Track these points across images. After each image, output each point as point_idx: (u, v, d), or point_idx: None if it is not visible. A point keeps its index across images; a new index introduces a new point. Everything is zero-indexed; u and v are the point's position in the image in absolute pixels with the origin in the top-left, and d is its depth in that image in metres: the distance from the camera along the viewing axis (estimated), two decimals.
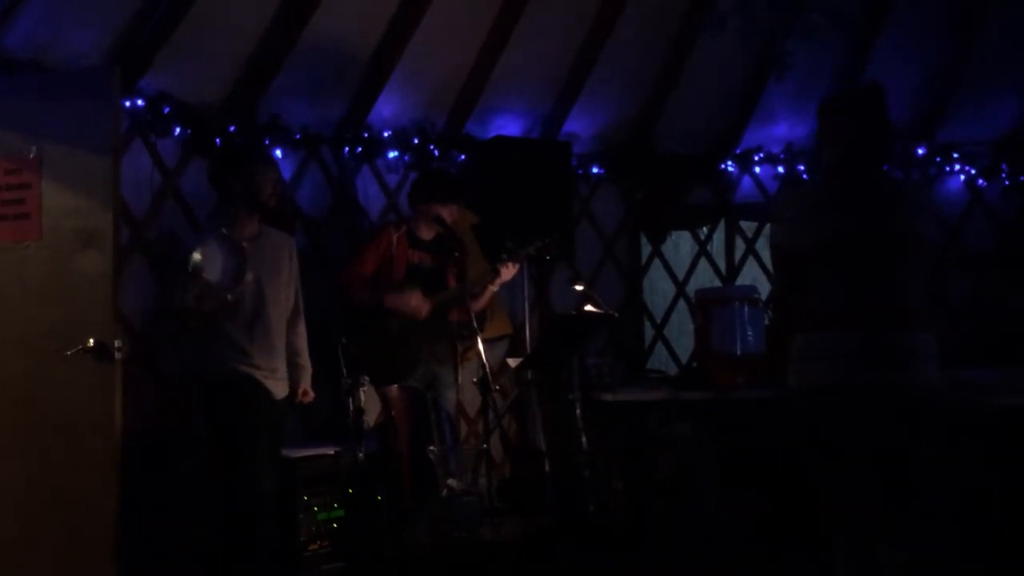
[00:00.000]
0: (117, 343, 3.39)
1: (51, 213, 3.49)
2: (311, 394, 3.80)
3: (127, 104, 4.17)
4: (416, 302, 4.24)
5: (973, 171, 6.02)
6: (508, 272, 4.33)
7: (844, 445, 2.71)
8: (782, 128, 5.92)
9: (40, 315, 3.47)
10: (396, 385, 4.04)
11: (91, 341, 3.35)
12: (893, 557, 2.67)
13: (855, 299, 2.72)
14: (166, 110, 4.32)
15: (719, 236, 5.97)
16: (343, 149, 5.01)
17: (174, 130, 4.39)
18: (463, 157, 5.31)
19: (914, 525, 2.68)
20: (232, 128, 4.53)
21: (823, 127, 2.89)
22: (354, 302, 4.23)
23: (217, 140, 4.49)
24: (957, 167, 6.02)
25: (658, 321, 5.93)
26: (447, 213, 4.24)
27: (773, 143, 5.95)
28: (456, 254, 4.00)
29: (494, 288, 4.38)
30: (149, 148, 4.35)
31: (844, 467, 2.72)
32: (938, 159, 5.99)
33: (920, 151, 5.93)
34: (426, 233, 4.38)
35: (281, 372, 3.64)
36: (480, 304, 4.37)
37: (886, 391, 2.64)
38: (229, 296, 3.37)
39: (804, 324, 2.80)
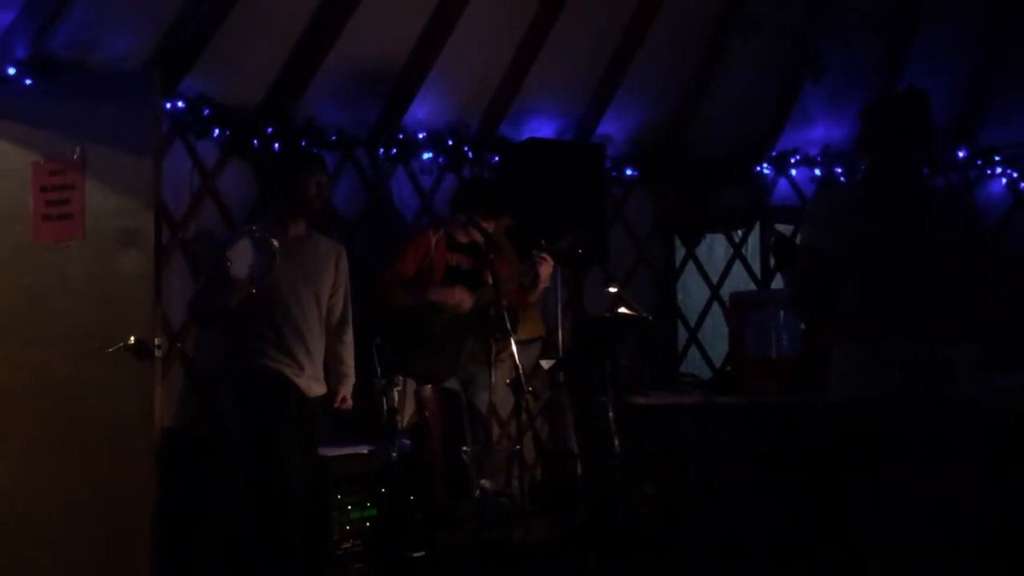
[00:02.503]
0: (157, 341, 3.44)
1: (94, 213, 3.54)
2: (349, 402, 3.81)
3: (167, 106, 4.22)
4: (460, 294, 4.28)
5: (1015, 174, 5.91)
6: (546, 268, 4.31)
7: (888, 458, 2.67)
8: (819, 130, 5.86)
9: (82, 314, 3.53)
10: (430, 386, 4.06)
11: (132, 339, 3.40)
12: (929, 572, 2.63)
13: (894, 307, 2.67)
14: (205, 112, 4.38)
15: (754, 239, 5.92)
16: (378, 151, 5.04)
17: (213, 132, 4.44)
18: (496, 159, 5.33)
19: (956, 540, 2.63)
20: (269, 130, 4.58)
21: (864, 131, 2.86)
22: (394, 303, 4.25)
23: (255, 142, 4.55)
24: (999, 170, 5.91)
25: (692, 324, 5.89)
26: (489, 227, 4.23)
27: (810, 145, 5.89)
28: (491, 255, 4.02)
29: (543, 284, 4.36)
30: (188, 149, 4.41)
31: (886, 480, 2.68)
32: (979, 162, 5.88)
33: (960, 154, 5.84)
34: (463, 237, 4.40)
35: (315, 372, 3.66)
36: (533, 298, 4.41)
37: (932, 403, 2.60)
38: (253, 290, 3.39)
39: (844, 332, 2.75)
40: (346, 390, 3.79)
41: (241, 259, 3.34)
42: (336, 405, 3.76)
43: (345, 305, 3.79)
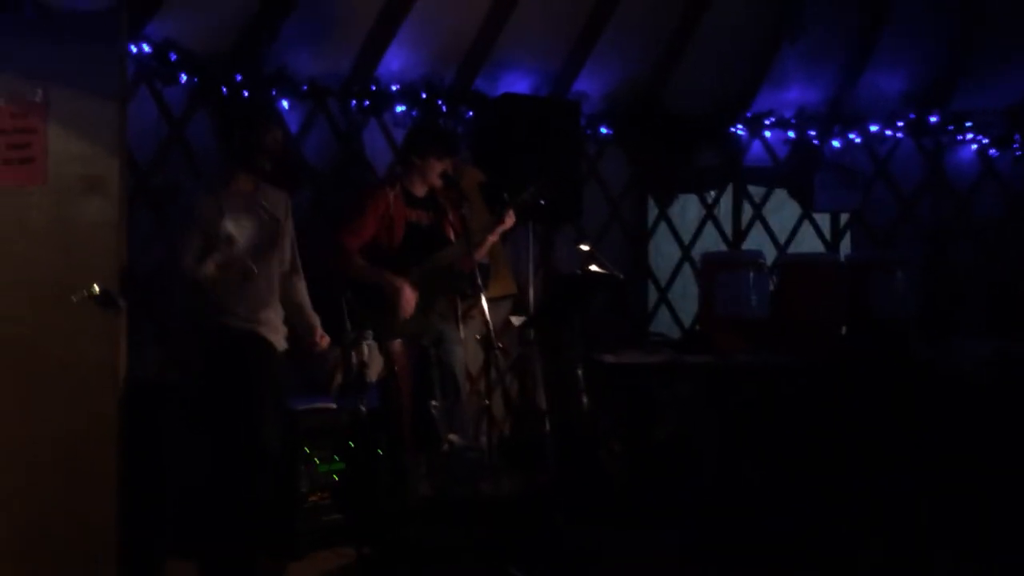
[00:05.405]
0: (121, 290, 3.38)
1: (56, 158, 3.44)
2: (327, 337, 3.76)
3: (133, 50, 4.11)
4: (408, 300, 4.16)
5: (986, 140, 5.95)
6: (508, 221, 4.27)
7: None
8: (794, 92, 5.84)
9: (44, 260, 3.44)
10: (399, 340, 4.04)
11: (96, 289, 3.34)
12: None
13: None
14: (172, 58, 4.27)
15: (726, 200, 5.94)
16: (351, 102, 4.95)
17: (180, 78, 4.34)
18: (471, 114, 5.26)
19: None
20: (239, 78, 4.48)
21: None
22: (352, 272, 4.15)
23: (223, 90, 4.45)
24: (970, 136, 5.94)
25: (662, 284, 5.92)
26: (444, 168, 4.17)
27: (785, 107, 5.88)
28: (462, 210, 3.97)
29: (493, 238, 4.34)
30: (155, 96, 4.31)
31: None
32: (950, 128, 5.91)
33: (933, 119, 5.85)
34: (420, 189, 4.30)
35: (277, 325, 3.63)
36: (480, 255, 4.34)
37: None
38: (255, 268, 3.37)
39: None
40: (319, 328, 3.76)
41: (243, 233, 3.42)
42: (317, 339, 3.72)
43: (294, 252, 3.72)
